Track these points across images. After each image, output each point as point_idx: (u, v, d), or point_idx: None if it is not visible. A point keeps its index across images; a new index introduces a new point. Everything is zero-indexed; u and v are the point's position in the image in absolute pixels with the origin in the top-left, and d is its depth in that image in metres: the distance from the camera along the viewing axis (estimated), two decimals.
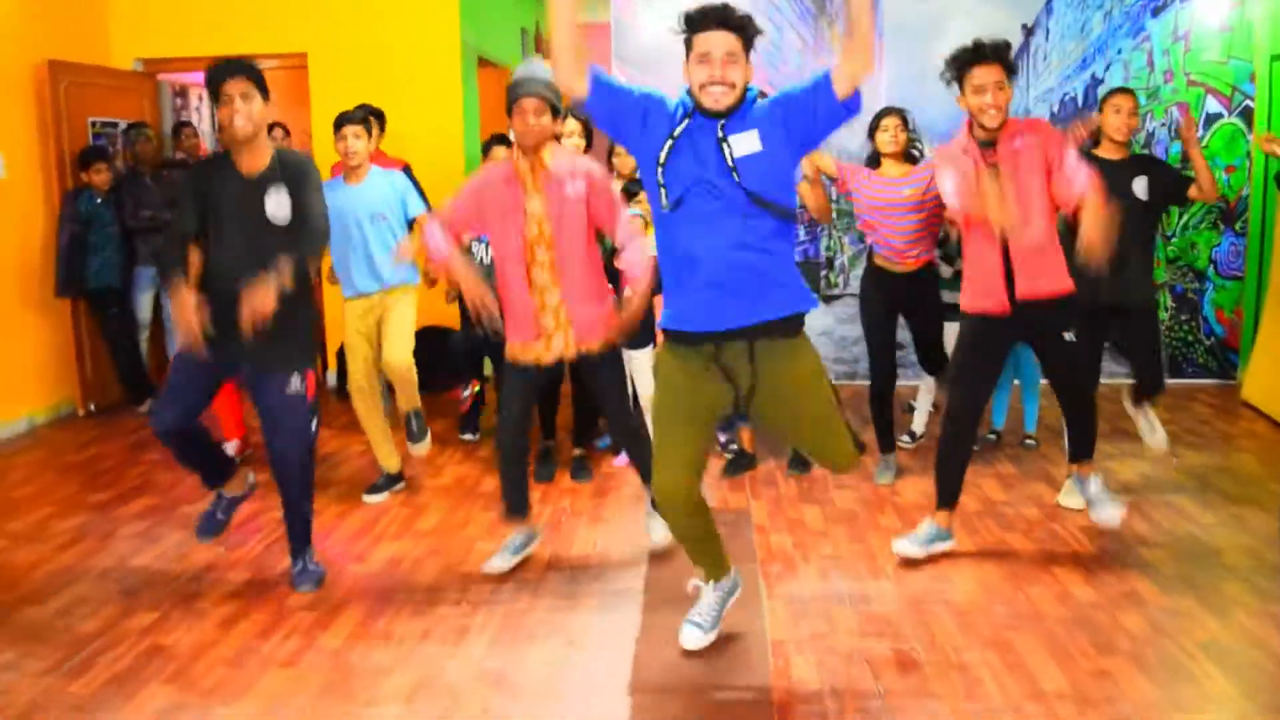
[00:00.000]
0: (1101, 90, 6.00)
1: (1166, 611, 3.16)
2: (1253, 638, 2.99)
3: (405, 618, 3.25)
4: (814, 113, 2.55)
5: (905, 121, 4.27)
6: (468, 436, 5.28)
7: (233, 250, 3.19)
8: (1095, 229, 3.13)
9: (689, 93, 2.60)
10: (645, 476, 3.59)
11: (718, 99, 2.54)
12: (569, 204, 3.31)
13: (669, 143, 2.60)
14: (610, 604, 3.34)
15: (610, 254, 3.96)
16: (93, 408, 6.01)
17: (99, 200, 5.74)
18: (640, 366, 4.61)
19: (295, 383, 3.31)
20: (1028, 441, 4.94)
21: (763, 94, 2.70)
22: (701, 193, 2.58)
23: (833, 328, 6.38)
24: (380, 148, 5.21)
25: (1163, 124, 6.02)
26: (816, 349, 2.81)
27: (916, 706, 2.66)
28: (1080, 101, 6.06)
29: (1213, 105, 5.99)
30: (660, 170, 2.61)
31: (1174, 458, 4.63)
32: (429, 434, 4.48)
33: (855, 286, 5.06)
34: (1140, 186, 3.92)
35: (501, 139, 4.92)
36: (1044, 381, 3.91)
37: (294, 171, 3.23)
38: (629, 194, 4.39)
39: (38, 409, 5.76)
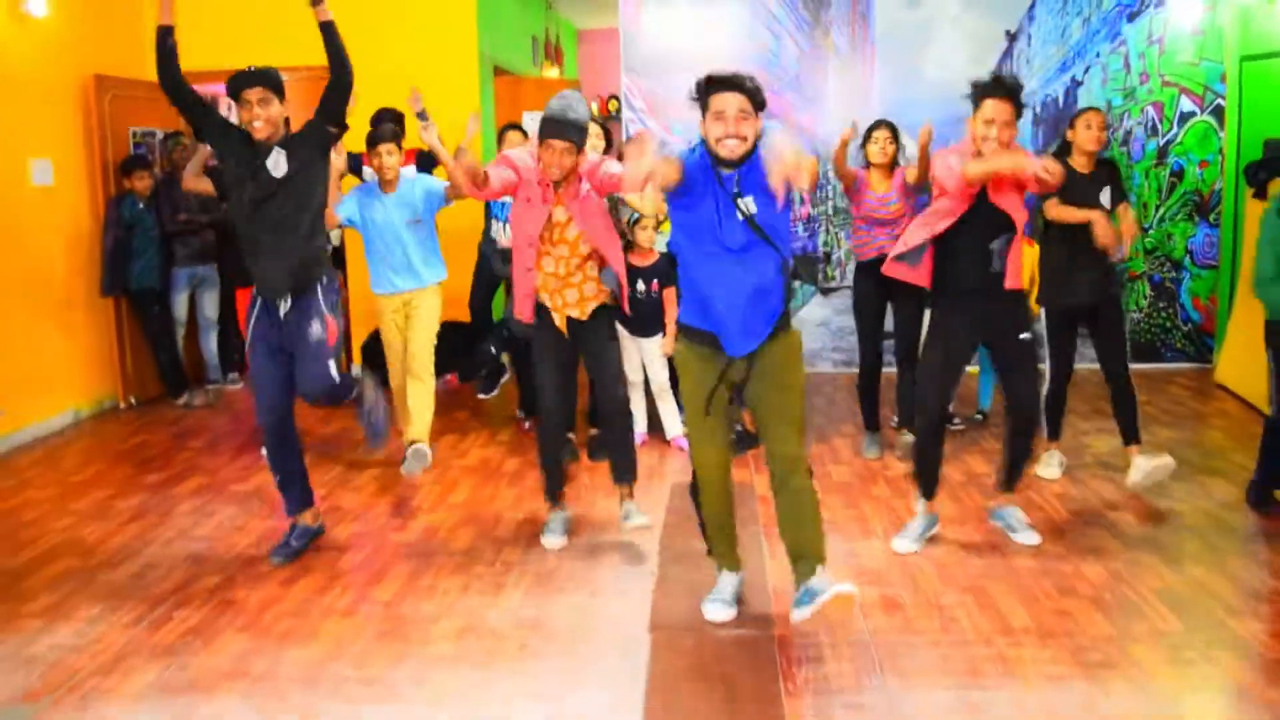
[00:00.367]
0: (1080, 92, 6.40)
1: (1127, 563, 3.54)
2: (1204, 587, 3.35)
3: (446, 575, 3.63)
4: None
5: (895, 134, 4.67)
6: (482, 396, 5.57)
7: (242, 209, 3.62)
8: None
9: (704, 144, 2.94)
10: (620, 470, 3.90)
11: (732, 150, 2.87)
12: (586, 201, 3.68)
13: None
14: (628, 560, 3.72)
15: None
16: (133, 400, 6.38)
17: (140, 205, 6.11)
18: (651, 355, 4.98)
19: (316, 328, 3.64)
20: (977, 416, 5.39)
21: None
22: (718, 240, 2.91)
23: (830, 319, 6.76)
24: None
25: (1139, 123, 6.40)
26: (799, 331, 3.14)
27: (900, 641, 3.04)
28: (1061, 103, 6.43)
29: (1186, 104, 6.36)
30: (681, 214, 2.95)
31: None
32: (427, 462, 4.60)
33: (851, 279, 5.43)
34: (1105, 196, 4.27)
35: (514, 125, 5.34)
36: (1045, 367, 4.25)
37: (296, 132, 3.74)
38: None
39: (82, 402, 6.11)
